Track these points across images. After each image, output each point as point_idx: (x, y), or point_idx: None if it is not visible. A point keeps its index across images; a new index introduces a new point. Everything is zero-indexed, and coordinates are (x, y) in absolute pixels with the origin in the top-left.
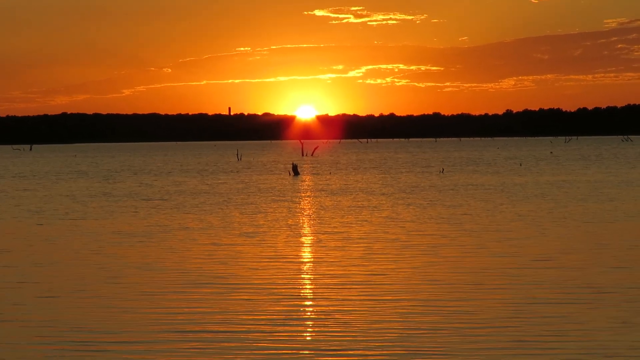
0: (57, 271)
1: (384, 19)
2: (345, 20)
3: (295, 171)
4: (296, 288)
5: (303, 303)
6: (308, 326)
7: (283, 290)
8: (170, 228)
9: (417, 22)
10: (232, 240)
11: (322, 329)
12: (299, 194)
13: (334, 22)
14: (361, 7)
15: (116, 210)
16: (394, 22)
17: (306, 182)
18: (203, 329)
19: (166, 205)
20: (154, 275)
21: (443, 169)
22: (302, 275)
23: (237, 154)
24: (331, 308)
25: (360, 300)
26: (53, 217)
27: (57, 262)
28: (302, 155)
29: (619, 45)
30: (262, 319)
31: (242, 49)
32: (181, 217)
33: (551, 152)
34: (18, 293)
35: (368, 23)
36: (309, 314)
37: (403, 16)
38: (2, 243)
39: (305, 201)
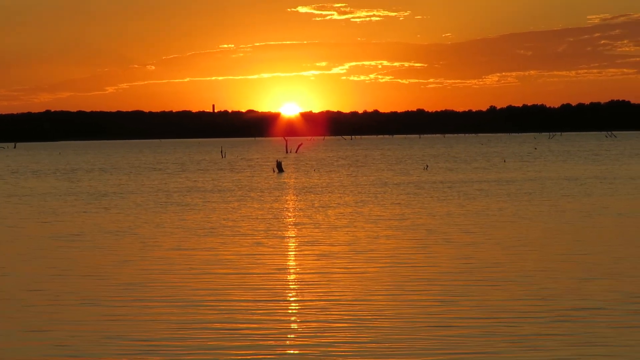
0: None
1: (367, 16)
2: (328, 17)
3: (280, 168)
4: (270, 292)
5: (277, 306)
6: (285, 332)
7: (258, 292)
8: (146, 226)
9: (401, 18)
10: (210, 240)
11: (303, 335)
12: (283, 192)
13: (317, 18)
14: (344, 4)
15: (91, 210)
16: (378, 18)
17: (290, 180)
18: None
19: (145, 203)
20: (109, 279)
21: (427, 166)
22: (277, 278)
23: (222, 151)
24: (310, 311)
25: (339, 301)
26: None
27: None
28: (287, 152)
29: (602, 41)
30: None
31: (225, 46)
32: (159, 216)
33: (535, 148)
34: None
35: (351, 20)
36: (285, 317)
37: (386, 13)
38: None
39: (290, 199)
